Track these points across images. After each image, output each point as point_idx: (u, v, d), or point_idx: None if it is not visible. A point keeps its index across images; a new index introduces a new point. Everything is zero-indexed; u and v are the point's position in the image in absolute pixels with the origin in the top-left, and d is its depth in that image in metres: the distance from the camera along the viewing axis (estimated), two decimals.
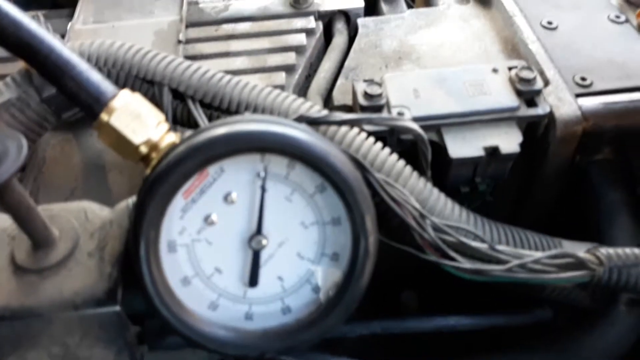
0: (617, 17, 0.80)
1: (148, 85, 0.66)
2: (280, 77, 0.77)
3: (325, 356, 0.63)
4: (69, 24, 0.86)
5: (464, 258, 0.58)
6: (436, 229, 0.59)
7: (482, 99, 0.68)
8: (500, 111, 0.67)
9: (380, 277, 0.58)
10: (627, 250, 0.59)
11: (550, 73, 0.73)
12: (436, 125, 0.67)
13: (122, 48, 0.67)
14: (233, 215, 0.55)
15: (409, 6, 0.97)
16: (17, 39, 0.57)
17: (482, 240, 0.60)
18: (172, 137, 0.57)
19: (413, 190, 0.61)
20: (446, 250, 0.58)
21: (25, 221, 0.54)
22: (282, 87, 0.75)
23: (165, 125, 0.57)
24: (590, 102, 0.70)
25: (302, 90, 0.79)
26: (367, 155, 0.61)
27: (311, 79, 0.79)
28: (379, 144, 0.63)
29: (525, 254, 0.59)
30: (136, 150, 0.56)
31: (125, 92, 0.58)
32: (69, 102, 0.65)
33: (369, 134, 0.63)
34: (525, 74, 0.69)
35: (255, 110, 0.64)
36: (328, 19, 0.88)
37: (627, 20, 0.80)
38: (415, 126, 0.63)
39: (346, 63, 0.79)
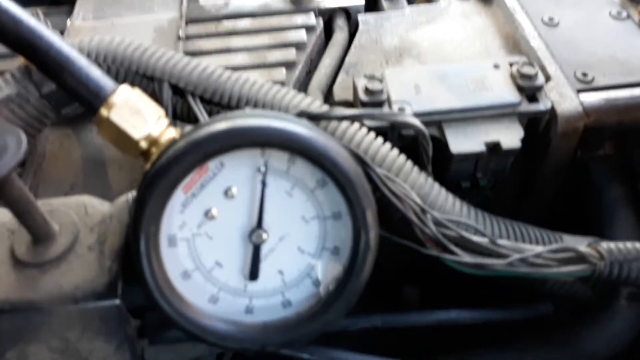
0: (619, 13, 0.80)
1: (148, 81, 0.66)
2: (281, 73, 0.77)
3: (325, 349, 0.63)
4: (68, 21, 0.86)
5: (465, 252, 0.58)
6: (437, 223, 0.59)
7: (484, 95, 0.68)
8: (501, 107, 0.67)
9: (382, 272, 0.58)
10: (628, 244, 0.59)
11: (551, 69, 0.73)
12: (437, 120, 0.67)
13: (122, 44, 0.67)
14: (233, 209, 0.55)
15: (410, 2, 0.96)
16: (17, 35, 0.57)
17: (483, 235, 0.60)
18: (172, 132, 0.57)
19: (414, 185, 0.61)
20: (447, 244, 0.58)
21: (25, 216, 0.54)
22: (282, 83, 0.75)
23: (165, 121, 0.57)
24: (592, 98, 0.70)
25: (303, 86, 0.79)
26: (368, 150, 0.61)
27: (311, 75, 0.79)
28: (380, 139, 0.62)
29: (526, 248, 0.59)
30: (136, 145, 0.56)
31: (125, 88, 0.58)
32: (68, 98, 0.65)
33: (370, 129, 0.63)
34: (527, 70, 0.69)
35: (255, 105, 0.64)
36: (328, 16, 0.89)
37: (628, 17, 0.80)
38: (416, 121, 0.63)
39: (347, 59, 0.79)
